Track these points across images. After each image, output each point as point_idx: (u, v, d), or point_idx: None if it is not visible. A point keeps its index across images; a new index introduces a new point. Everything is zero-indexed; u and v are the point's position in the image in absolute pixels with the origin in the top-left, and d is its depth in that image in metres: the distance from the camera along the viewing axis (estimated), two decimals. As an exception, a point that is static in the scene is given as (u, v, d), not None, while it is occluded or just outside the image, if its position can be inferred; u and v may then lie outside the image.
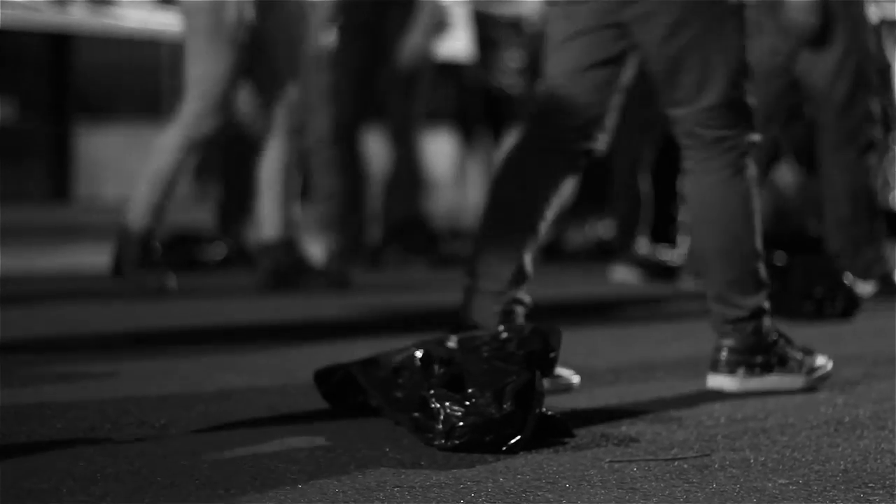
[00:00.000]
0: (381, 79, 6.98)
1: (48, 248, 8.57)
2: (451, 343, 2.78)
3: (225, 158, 7.24)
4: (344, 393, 2.87)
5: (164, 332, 4.35)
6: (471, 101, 9.52)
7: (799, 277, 4.92)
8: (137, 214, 5.58)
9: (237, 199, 6.85)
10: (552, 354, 2.77)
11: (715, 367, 3.27)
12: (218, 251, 7.11)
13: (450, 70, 10.47)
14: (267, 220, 5.80)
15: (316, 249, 6.50)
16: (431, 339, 2.80)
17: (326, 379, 2.90)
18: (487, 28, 10.23)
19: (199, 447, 2.57)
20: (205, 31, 5.60)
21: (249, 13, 5.60)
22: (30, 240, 9.31)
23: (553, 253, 7.86)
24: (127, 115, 19.02)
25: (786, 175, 7.56)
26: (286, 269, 5.75)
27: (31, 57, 19.14)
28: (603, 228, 8.04)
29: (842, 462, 2.47)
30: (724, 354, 3.25)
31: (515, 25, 10.59)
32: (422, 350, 2.70)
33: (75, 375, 3.48)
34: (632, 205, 6.61)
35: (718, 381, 3.26)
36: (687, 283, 5.77)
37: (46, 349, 3.79)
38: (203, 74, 5.62)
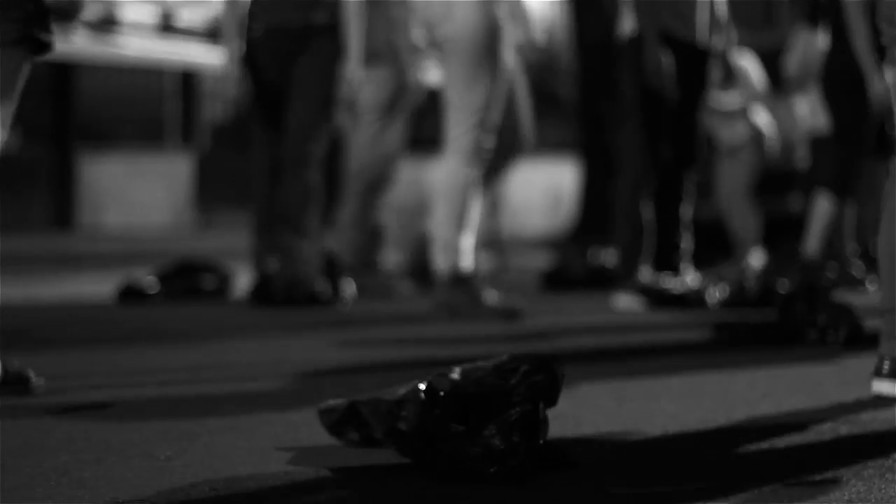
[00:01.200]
0: None
1: (51, 277, 8.58)
2: (455, 374, 2.78)
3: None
4: (348, 425, 2.87)
5: (167, 363, 4.35)
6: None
7: (803, 305, 4.93)
8: (456, 259, 5.72)
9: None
10: (555, 385, 2.77)
11: (879, 373, 3.56)
12: (220, 280, 7.12)
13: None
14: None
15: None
16: (435, 371, 2.80)
17: (330, 412, 2.91)
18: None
19: (203, 479, 2.57)
20: (474, 58, 5.63)
21: (513, 36, 5.66)
22: (32, 268, 9.33)
23: (555, 280, 7.87)
24: (129, 142, 19.05)
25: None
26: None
27: (33, 85, 19.17)
28: (605, 256, 8.06)
29: (845, 492, 2.47)
30: (886, 364, 3.54)
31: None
32: (425, 382, 2.71)
33: (79, 406, 3.48)
34: (634, 232, 6.62)
35: (882, 385, 3.55)
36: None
37: (49, 380, 3.78)
38: (479, 103, 5.67)
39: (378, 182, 7.35)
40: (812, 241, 7.58)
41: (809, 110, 9.92)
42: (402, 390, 2.75)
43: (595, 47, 12.48)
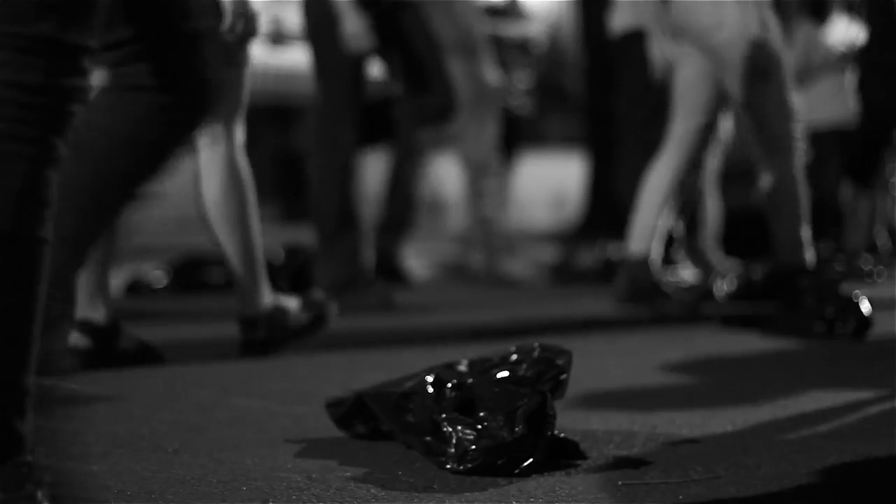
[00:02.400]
0: None
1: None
2: (462, 367, 2.78)
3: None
4: (355, 418, 2.88)
5: (175, 356, 4.35)
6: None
7: (811, 297, 4.93)
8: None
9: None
10: (563, 376, 2.78)
11: None
12: (227, 275, 7.12)
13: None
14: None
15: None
16: (442, 363, 2.81)
17: (338, 405, 2.91)
18: (495, 50, 10.25)
19: (211, 472, 2.58)
20: (756, 61, 5.55)
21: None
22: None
23: (562, 273, 7.87)
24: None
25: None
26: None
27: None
28: (612, 249, 8.05)
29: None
30: None
31: (523, 47, 10.61)
32: (433, 374, 2.71)
33: (87, 399, 3.49)
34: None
35: None
36: None
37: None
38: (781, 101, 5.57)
39: (483, 176, 7.45)
40: (857, 234, 7.66)
41: (808, 105, 9.88)
42: (409, 383, 2.75)
43: (602, 41, 12.47)
